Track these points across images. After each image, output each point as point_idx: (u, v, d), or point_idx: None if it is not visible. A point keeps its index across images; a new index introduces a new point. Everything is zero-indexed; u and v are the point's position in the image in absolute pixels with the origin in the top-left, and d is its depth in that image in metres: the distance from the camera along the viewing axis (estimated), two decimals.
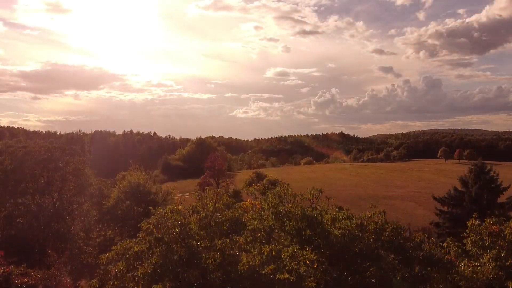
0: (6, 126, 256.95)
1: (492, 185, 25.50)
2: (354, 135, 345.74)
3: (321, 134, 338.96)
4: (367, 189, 75.38)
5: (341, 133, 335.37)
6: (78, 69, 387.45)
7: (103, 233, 34.83)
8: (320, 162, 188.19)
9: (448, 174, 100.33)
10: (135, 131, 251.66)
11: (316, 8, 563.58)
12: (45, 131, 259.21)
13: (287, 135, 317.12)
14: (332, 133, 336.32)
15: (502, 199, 26.84)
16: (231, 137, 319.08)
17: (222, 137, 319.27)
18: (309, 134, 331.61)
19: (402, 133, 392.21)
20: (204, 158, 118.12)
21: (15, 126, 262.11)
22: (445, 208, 26.79)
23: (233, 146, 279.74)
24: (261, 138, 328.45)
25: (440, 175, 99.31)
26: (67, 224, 31.91)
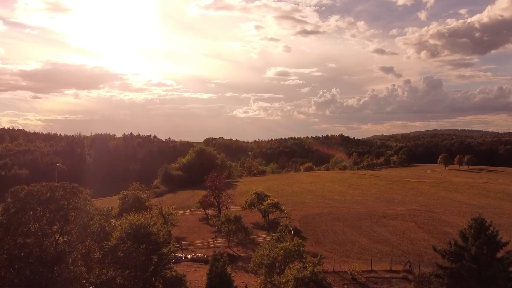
0: (6, 127, 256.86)
1: (492, 241, 25.69)
2: (354, 137, 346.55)
3: (321, 135, 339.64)
4: (367, 206, 75.60)
5: (341, 135, 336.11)
6: (78, 68, 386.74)
7: (105, 271, 35.06)
8: (320, 168, 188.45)
9: (448, 187, 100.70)
10: (135, 132, 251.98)
11: (317, 8, 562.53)
12: (46, 132, 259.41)
13: (287, 137, 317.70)
14: (332, 135, 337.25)
15: (501, 253, 27.04)
16: (231, 139, 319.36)
17: (223, 138, 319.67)
18: (310, 136, 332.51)
19: (402, 134, 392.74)
20: (204, 167, 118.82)
21: (15, 125, 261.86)
22: (445, 261, 27.03)
23: (233, 148, 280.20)
24: (262, 140, 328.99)
25: (439, 188, 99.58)
26: (69, 267, 32.08)
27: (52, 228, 33.88)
